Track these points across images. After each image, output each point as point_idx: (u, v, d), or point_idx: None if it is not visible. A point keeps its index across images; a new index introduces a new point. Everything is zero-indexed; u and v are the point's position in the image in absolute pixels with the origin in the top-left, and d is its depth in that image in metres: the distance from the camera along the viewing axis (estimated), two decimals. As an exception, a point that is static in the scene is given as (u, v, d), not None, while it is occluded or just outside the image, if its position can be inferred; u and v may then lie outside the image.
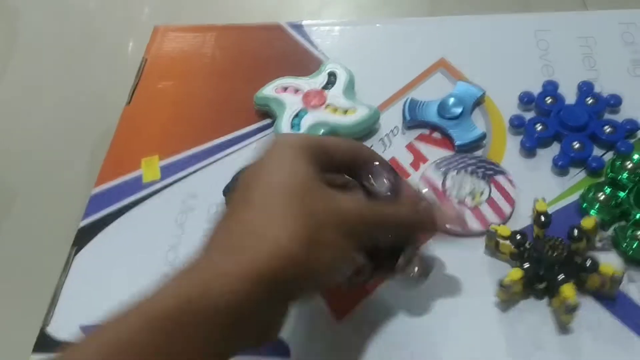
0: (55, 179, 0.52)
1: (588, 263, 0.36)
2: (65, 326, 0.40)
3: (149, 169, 0.47)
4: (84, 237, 0.44)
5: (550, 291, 0.37)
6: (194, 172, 0.47)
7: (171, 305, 0.25)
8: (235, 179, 0.43)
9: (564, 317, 0.36)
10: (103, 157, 0.49)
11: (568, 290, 0.35)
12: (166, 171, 0.47)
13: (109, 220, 0.45)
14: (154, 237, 0.43)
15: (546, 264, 0.37)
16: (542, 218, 0.38)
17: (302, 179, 0.29)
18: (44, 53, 0.64)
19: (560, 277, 0.36)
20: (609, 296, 0.37)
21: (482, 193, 0.42)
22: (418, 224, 0.34)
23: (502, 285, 0.36)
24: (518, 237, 0.38)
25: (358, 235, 0.30)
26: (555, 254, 0.37)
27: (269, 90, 0.50)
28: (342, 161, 0.33)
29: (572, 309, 0.35)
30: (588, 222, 0.38)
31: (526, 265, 0.37)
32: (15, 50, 0.64)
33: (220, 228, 0.29)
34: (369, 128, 0.47)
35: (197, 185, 0.46)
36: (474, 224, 0.41)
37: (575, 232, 0.38)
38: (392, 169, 0.35)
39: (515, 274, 0.36)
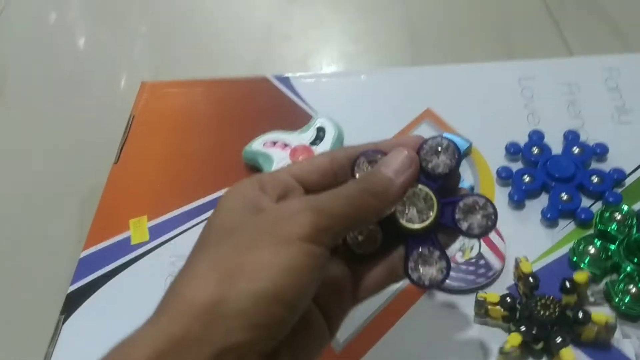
0: (40, 241, 0.51)
1: (580, 315, 0.36)
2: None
3: (137, 230, 0.47)
4: (72, 303, 0.43)
5: (548, 351, 0.37)
6: (183, 232, 0.47)
7: None
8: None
9: None
10: (91, 218, 0.48)
11: (567, 355, 0.35)
12: (155, 232, 0.47)
13: (98, 285, 0.44)
14: (144, 301, 0.41)
15: (538, 323, 0.36)
16: (531, 280, 0.38)
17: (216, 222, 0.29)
18: (29, 108, 0.64)
19: (558, 339, 0.36)
20: (604, 344, 0.37)
21: (472, 248, 0.42)
22: (365, 194, 0.28)
23: (503, 352, 0.36)
24: (508, 299, 0.38)
25: (306, 235, 0.26)
26: (547, 313, 0.36)
27: (258, 144, 0.50)
28: (315, 176, 0.30)
29: None
30: (581, 277, 0.38)
31: (522, 328, 0.37)
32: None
33: None
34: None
35: (186, 246, 0.43)
36: (465, 280, 0.41)
37: (568, 284, 0.37)
38: (373, 152, 0.30)
39: (514, 339, 0.36)
